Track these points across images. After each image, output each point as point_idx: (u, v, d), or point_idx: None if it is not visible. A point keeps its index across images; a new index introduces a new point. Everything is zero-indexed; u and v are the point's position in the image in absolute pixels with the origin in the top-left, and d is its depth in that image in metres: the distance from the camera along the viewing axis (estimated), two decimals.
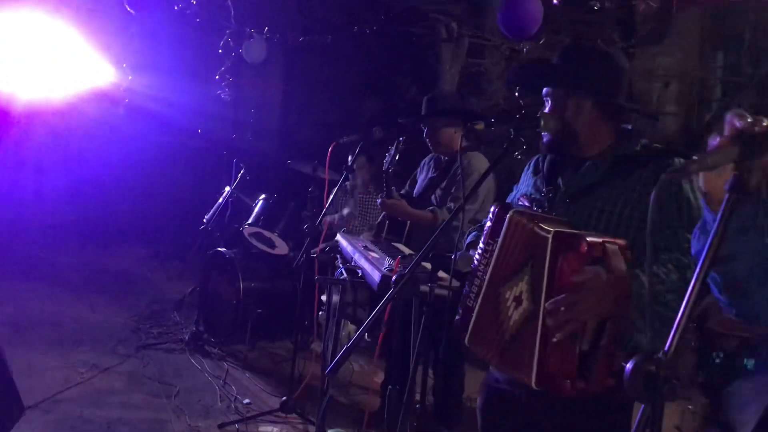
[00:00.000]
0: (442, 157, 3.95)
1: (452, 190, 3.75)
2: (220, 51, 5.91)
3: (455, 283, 2.32)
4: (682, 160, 1.90)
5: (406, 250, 3.22)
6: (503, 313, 1.88)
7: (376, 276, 2.44)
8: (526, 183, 2.20)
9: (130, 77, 5.39)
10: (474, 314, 1.95)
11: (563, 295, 1.64)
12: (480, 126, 1.97)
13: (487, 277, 1.93)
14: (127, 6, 4.68)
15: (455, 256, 2.04)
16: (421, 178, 4.11)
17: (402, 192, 3.96)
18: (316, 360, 4.74)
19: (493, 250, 1.92)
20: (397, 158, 3.65)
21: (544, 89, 2.03)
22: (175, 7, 4.94)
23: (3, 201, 6.92)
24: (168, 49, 6.48)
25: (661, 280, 1.72)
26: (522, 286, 1.81)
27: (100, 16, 5.36)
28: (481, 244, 1.96)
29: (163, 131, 7.08)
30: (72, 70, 5.62)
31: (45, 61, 5.69)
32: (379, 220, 4.08)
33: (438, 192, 3.83)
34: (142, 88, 5.81)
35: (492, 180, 3.85)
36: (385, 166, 3.62)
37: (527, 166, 2.23)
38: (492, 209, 1.94)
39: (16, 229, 7.28)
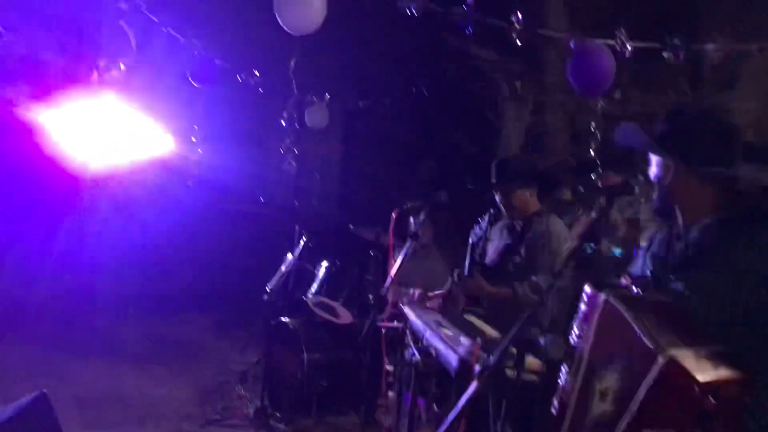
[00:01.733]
0: (515, 222, 3.78)
1: (531, 261, 3.58)
2: (282, 122, 5.93)
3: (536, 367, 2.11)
4: None
5: (481, 324, 3.02)
6: (590, 405, 1.68)
7: (452, 360, 2.25)
8: (637, 261, 2.04)
9: (200, 150, 5.44)
10: (570, 410, 1.75)
11: None
12: (567, 195, 1.80)
13: (582, 368, 1.72)
14: (191, 80, 4.74)
15: (545, 341, 1.84)
16: (493, 245, 3.94)
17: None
18: None
19: (588, 338, 1.72)
20: (488, 230, 3.50)
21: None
22: (239, 78, 4.98)
23: (66, 271, 7.01)
24: (231, 119, 6.57)
25: None
26: (610, 381, 1.61)
27: (167, 90, 5.46)
28: (575, 329, 1.76)
29: (227, 199, 7.13)
30: (139, 144, 5.72)
31: (113, 135, 5.84)
32: (448, 290, 3.92)
33: (516, 259, 3.66)
34: (207, 158, 5.87)
35: (568, 245, 3.66)
36: (474, 239, 3.47)
37: (644, 242, 2.08)
38: (586, 289, 1.75)
39: (79, 299, 7.35)
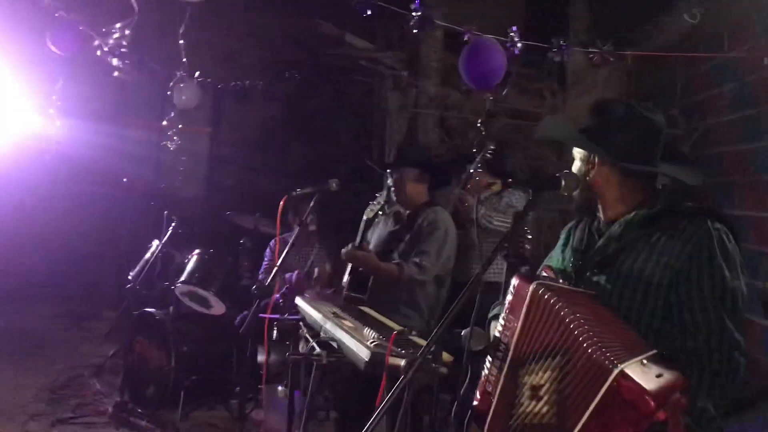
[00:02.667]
0: (402, 210, 3.78)
1: (418, 245, 3.58)
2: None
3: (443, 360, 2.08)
4: (716, 222, 1.78)
5: (376, 315, 2.97)
6: (518, 398, 1.66)
7: (362, 353, 2.16)
8: (555, 253, 2.04)
9: (57, 123, 4.93)
10: (494, 400, 1.72)
11: None
12: (497, 187, 1.77)
13: (508, 358, 1.70)
14: (51, 45, 4.27)
15: (467, 332, 1.80)
16: (377, 232, 3.92)
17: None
18: (258, 430, 4.38)
19: (515, 328, 1.70)
20: (386, 206, 3.45)
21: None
22: (105, 48, 4.56)
23: None
24: (93, 93, 6.05)
25: (710, 416, 1.64)
26: (544, 377, 1.59)
27: (24, 59, 4.91)
28: (501, 320, 1.74)
29: (85, 180, 6.56)
30: None
31: None
32: (327, 270, 3.86)
33: (401, 246, 3.66)
34: (65, 134, 5.34)
35: (455, 238, 3.72)
36: (369, 215, 3.40)
37: (563, 230, 2.08)
38: (513, 281, 1.73)
39: None
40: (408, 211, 3.77)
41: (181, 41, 4.40)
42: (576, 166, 1.94)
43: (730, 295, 1.73)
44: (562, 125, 2.04)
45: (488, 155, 3.85)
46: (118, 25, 4.61)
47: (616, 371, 1.44)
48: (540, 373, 1.59)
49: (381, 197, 3.75)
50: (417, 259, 3.53)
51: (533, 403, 1.59)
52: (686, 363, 1.65)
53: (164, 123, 5.55)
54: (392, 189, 3.73)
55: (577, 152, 1.94)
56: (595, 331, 1.53)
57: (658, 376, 1.46)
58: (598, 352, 1.48)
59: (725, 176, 4.92)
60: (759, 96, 4.55)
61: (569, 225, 2.11)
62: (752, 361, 1.86)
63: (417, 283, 3.55)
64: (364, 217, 3.73)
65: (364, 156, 6.20)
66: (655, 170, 1.87)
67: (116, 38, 4.63)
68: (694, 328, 1.72)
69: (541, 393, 1.58)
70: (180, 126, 5.58)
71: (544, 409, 1.57)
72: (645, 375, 1.44)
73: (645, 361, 1.49)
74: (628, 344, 1.56)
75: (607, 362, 1.46)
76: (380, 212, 3.76)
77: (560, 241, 2.11)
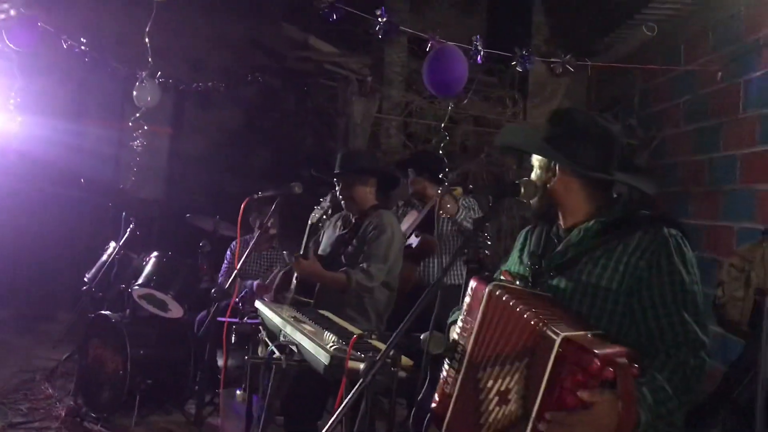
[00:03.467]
0: (350, 215, 3.81)
1: (365, 249, 3.60)
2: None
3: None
4: (672, 229, 1.82)
5: (335, 319, 2.97)
6: (484, 404, 1.68)
7: (322, 357, 2.15)
8: (512, 258, 2.06)
9: (18, 120, 4.81)
10: (452, 402, 1.73)
11: (564, 413, 1.48)
12: (458, 192, 1.78)
13: (465, 359, 1.72)
14: (8, 42, 4.18)
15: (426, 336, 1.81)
16: (325, 236, 3.93)
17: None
18: None
19: (472, 329, 1.72)
20: (329, 212, 3.44)
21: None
22: (64, 45, 4.47)
23: None
24: (52, 90, 5.91)
25: (667, 396, 1.62)
26: (510, 383, 1.61)
27: None
28: (459, 322, 1.76)
29: (40, 178, 6.41)
30: None
31: None
32: (280, 275, 3.85)
33: (349, 250, 3.66)
34: (21, 132, 5.20)
35: (402, 241, 3.78)
36: (314, 220, 3.38)
37: (519, 234, 2.10)
38: (471, 283, 1.74)
39: None
40: (355, 216, 3.76)
41: (147, 40, 4.32)
42: (535, 174, 1.96)
43: (690, 297, 1.76)
44: (523, 132, 2.07)
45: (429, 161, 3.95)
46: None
47: (560, 338, 1.48)
48: (507, 379, 1.61)
49: (325, 201, 3.75)
50: (364, 265, 3.52)
51: (504, 408, 1.61)
52: (653, 358, 1.69)
53: (130, 123, 5.45)
54: (339, 194, 3.74)
55: (536, 160, 1.96)
56: (546, 314, 1.56)
57: (604, 345, 1.52)
58: (545, 328, 1.52)
59: (680, 186, 5.05)
60: (713, 109, 4.68)
61: (525, 230, 2.13)
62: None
63: (365, 289, 3.55)
64: (309, 222, 3.71)
65: (325, 160, 6.19)
66: (615, 179, 1.91)
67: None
68: (660, 332, 1.75)
69: (509, 396, 1.59)
70: (143, 126, 5.49)
71: (513, 408, 1.59)
72: (590, 342, 1.50)
73: (590, 335, 1.54)
74: (576, 324, 1.61)
75: (551, 333, 1.51)
76: (324, 216, 3.76)
77: (516, 246, 2.13)
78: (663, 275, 1.77)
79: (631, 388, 1.48)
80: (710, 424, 2.77)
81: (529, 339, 1.56)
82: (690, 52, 5.08)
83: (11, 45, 4.34)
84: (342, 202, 3.78)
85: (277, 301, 3.77)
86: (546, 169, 1.93)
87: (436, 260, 4.36)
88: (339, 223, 3.92)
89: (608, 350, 1.49)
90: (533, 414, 1.50)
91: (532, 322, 1.56)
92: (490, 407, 1.63)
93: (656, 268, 1.78)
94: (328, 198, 3.71)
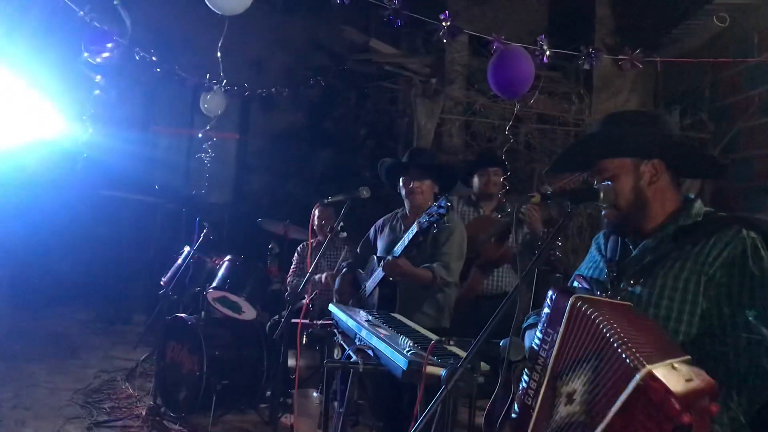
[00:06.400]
0: (408, 216, 3.85)
1: (441, 247, 3.63)
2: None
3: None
4: (751, 231, 1.78)
5: (408, 322, 3.00)
6: (554, 408, 1.68)
7: (400, 362, 2.19)
8: (588, 262, 2.05)
9: (90, 130, 5.02)
10: (534, 413, 1.73)
11: None
12: (536, 199, 1.79)
13: (548, 372, 1.72)
14: (85, 54, 4.36)
15: (506, 342, 1.82)
16: (385, 238, 3.96)
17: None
18: None
19: (554, 341, 1.71)
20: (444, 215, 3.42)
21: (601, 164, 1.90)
22: (136, 57, 4.65)
23: None
24: (125, 100, 6.15)
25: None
26: (577, 385, 1.61)
27: (57, 64, 5.01)
28: (538, 333, 1.75)
29: (115, 186, 6.67)
30: (21, 121, 5.21)
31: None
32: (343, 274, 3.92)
33: (420, 249, 3.66)
34: (97, 141, 5.43)
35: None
36: (424, 225, 3.37)
37: (595, 239, 2.09)
38: (549, 293, 1.74)
39: None
40: (414, 213, 3.75)
41: (219, 55, 4.44)
42: (618, 181, 1.90)
43: (760, 302, 1.73)
44: (581, 146, 2.03)
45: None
46: (109, 45, 4.66)
47: (643, 371, 1.45)
48: (575, 381, 1.61)
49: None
50: (443, 261, 3.59)
51: (568, 407, 1.61)
52: (714, 366, 1.66)
53: (200, 135, 5.61)
54: (404, 194, 3.79)
55: (619, 167, 1.91)
56: (628, 334, 1.54)
57: (688, 380, 1.47)
58: (628, 353, 1.49)
59: (756, 181, 4.89)
60: None
61: (600, 234, 2.11)
62: None
63: (446, 284, 3.60)
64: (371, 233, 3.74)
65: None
66: (717, 161, 1.90)
67: (104, 57, 4.67)
68: (723, 333, 1.74)
69: (575, 397, 1.59)
70: (212, 133, 5.65)
71: (576, 409, 1.58)
72: (673, 377, 1.45)
73: (676, 365, 1.49)
74: (661, 348, 1.56)
75: (635, 362, 1.47)
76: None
77: (592, 250, 2.11)
78: (734, 277, 1.75)
79: None
80: None
81: (606, 355, 1.54)
82: (764, 41, 4.91)
83: (88, 56, 4.51)
84: (409, 197, 3.80)
85: (342, 301, 3.84)
86: (635, 171, 1.90)
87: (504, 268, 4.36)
88: (399, 225, 3.95)
89: (690, 388, 1.45)
90: (598, 429, 1.50)
91: (617, 347, 1.52)
92: (559, 408, 1.64)
93: (729, 269, 1.76)
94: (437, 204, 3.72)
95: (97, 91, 4.66)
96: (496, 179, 4.56)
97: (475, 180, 4.64)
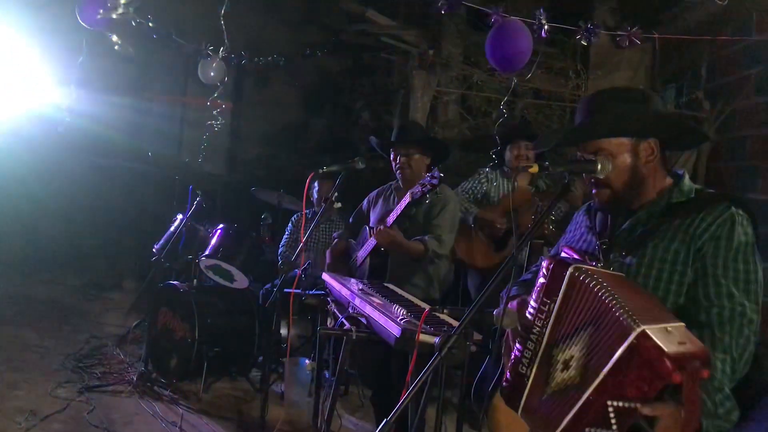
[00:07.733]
0: (401, 188, 3.86)
1: (433, 220, 3.67)
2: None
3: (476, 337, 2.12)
4: (739, 209, 1.81)
5: (401, 291, 3.02)
6: (552, 375, 1.71)
7: (393, 329, 2.21)
8: (574, 232, 2.07)
9: (73, 96, 4.95)
10: (529, 382, 1.76)
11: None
12: (534, 169, 1.79)
13: (544, 341, 1.74)
14: (79, 18, 4.30)
15: (499, 311, 1.84)
16: (378, 209, 3.98)
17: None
18: (280, 402, 4.47)
19: (551, 311, 1.73)
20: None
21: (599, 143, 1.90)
22: (132, 23, 4.58)
23: None
24: (116, 66, 6.09)
25: (725, 396, 1.69)
26: (574, 352, 1.64)
27: (50, 31, 4.94)
28: (533, 302, 1.77)
29: (106, 153, 6.63)
30: (7, 88, 5.16)
31: None
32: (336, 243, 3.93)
33: (413, 221, 3.71)
34: (86, 107, 5.37)
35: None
36: (417, 195, 3.38)
37: (576, 213, 2.11)
38: (545, 264, 1.75)
39: None
40: (408, 185, 3.75)
41: (222, 23, 4.39)
42: (612, 161, 1.89)
43: (743, 275, 1.79)
44: (574, 127, 2.02)
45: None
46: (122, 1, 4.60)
47: (638, 330, 1.48)
48: (572, 347, 1.63)
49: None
50: (436, 233, 3.62)
51: (563, 373, 1.64)
52: (700, 336, 1.69)
53: (208, 103, 5.55)
54: (397, 167, 3.80)
55: (617, 146, 1.90)
56: (625, 300, 1.56)
57: (681, 342, 1.49)
58: (624, 315, 1.52)
59: (749, 160, 4.90)
60: None
61: (584, 206, 2.13)
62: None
63: (438, 256, 3.62)
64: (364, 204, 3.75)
65: (381, 134, 6.22)
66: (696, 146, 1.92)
67: (120, 13, 4.62)
68: (707, 301, 1.78)
69: (572, 363, 1.62)
70: (221, 105, 5.60)
71: (572, 374, 1.61)
72: (667, 338, 1.48)
73: (670, 328, 1.52)
74: (657, 314, 1.59)
75: (630, 322, 1.50)
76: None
77: (578, 222, 2.14)
78: (719, 250, 1.79)
79: (697, 397, 1.48)
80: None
81: (603, 320, 1.57)
82: (762, 20, 4.89)
83: (81, 20, 4.45)
84: (398, 171, 3.83)
85: (335, 270, 3.85)
86: (633, 149, 1.90)
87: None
88: (392, 197, 3.96)
89: (682, 350, 1.48)
90: (591, 388, 1.53)
91: (615, 311, 1.54)
92: (555, 375, 1.67)
93: (715, 242, 1.80)
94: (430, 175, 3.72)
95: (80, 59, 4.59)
96: (528, 153, 4.59)
97: (507, 153, 4.69)
